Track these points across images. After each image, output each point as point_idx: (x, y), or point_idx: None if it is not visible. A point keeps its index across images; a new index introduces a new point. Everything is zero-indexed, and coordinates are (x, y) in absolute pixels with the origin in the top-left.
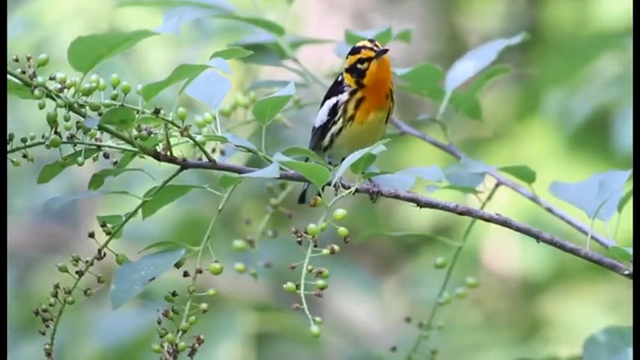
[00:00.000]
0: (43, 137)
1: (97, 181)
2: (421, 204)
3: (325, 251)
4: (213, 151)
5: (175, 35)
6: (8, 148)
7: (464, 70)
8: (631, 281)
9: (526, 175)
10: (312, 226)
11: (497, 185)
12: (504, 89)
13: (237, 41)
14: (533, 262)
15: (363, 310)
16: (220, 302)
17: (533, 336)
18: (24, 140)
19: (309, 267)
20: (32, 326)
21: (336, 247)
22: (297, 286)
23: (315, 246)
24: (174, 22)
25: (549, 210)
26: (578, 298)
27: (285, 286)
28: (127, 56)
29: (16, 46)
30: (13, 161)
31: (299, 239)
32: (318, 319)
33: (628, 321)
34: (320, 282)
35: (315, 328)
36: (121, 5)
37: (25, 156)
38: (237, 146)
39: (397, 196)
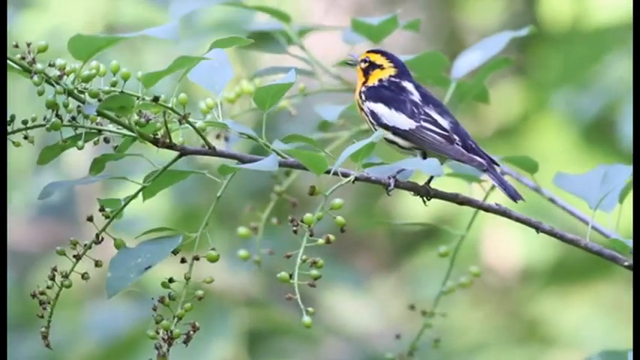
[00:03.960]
0: (44, 119)
1: (97, 165)
2: (421, 193)
3: (321, 241)
4: (218, 137)
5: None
6: (9, 129)
7: (470, 59)
8: (631, 274)
9: (528, 165)
10: (308, 216)
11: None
12: (506, 87)
13: (241, 29)
14: (534, 257)
15: (361, 309)
16: (213, 298)
17: (533, 336)
18: (25, 122)
19: (304, 257)
20: (31, 323)
21: (331, 237)
22: (291, 276)
23: (312, 235)
24: (174, 25)
25: (552, 200)
26: (577, 299)
27: (278, 275)
28: (127, 43)
29: (19, 35)
30: (13, 142)
31: (295, 228)
32: (310, 309)
33: (627, 322)
34: (314, 272)
35: (307, 319)
36: None
37: (26, 137)
38: (239, 133)
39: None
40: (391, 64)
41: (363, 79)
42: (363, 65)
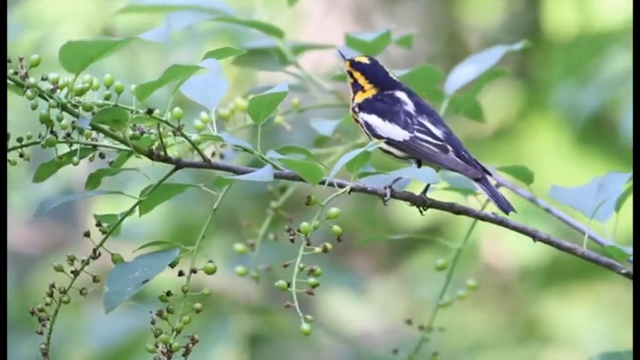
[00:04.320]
0: (39, 136)
1: (93, 181)
2: (417, 203)
3: (317, 249)
4: (213, 154)
5: (165, 42)
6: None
7: (464, 73)
8: (630, 281)
9: (524, 175)
10: (304, 225)
11: (496, 186)
12: (506, 88)
13: (237, 45)
14: (535, 258)
15: (361, 311)
16: (214, 303)
17: (532, 337)
18: (20, 140)
19: (301, 265)
20: (30, 324)
21: (328, 246)
22: (289, 284)
23: (309, 244)
24: (164, 29)
25: (548, 210)
26: (577, 300)
27: (276, 283)
28: (121, 56)
29: (14, 46)
30: (9, 161)
31: (292, 237)
32: (309, 317)
33: (627, 321)
34: (312, 280)
35: (305, 326)
36: (120, 13)
37: (21, 155)
38: (234, 146)
39: (394, 196)
40: (371, 85)
41: (353, 95)
42: (350, 80)
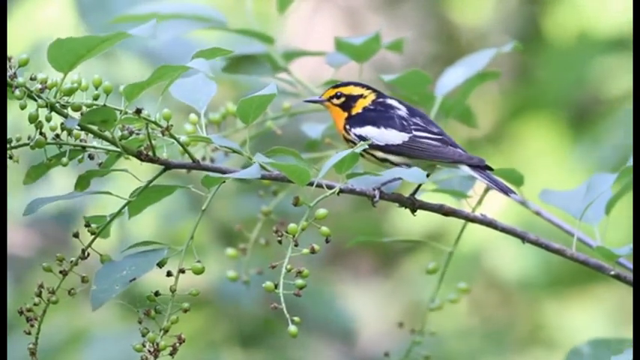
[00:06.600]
0: (28, 138)
1: (82, 182)
2: (406, 204)
3: (305, 250)
4: (203, 159)
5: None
6: None
7: (454, 76)
8: (620, 283)
9: (514, 178)
10: (292, 226)
11: (486, 190)
12: (499, 89)
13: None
14: (529, 269)
15: (358, 315)
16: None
17: (532, 342)
18: (9, 141)
19: (289, 266)
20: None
21: (316, 247)
22: (276, 286)
23: (296, 245)
24: (151, 25)
25: (538, 213)
26: (578, 303)
27: (264, 285)
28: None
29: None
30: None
31: (279, 238)
32: (296, 318)
33: (627, 327)
34: (299, 281)
35: (292, 328)
36: (112, 23)
37: (10, 157)
38: (221, 147)
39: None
40: (369, 91)
41: (346, 114)
42: (337, 101)
